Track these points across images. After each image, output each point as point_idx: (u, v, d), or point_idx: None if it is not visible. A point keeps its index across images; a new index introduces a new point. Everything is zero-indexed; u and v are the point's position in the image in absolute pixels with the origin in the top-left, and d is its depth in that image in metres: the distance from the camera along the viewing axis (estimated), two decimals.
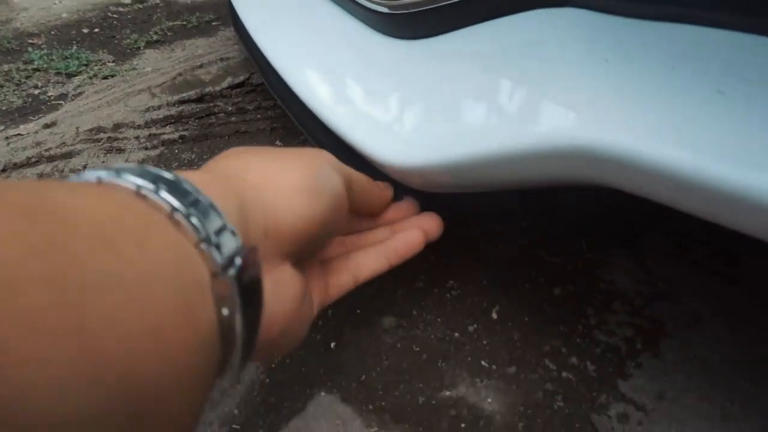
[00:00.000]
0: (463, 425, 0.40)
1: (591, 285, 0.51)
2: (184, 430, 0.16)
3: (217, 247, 0.18)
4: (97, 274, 0.13)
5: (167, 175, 0.19)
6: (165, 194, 0.18)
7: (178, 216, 0.18)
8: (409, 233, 0.37)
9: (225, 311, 0.18)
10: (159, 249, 0.16)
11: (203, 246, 0.18)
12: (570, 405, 0.41)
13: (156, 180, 0.18)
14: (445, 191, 0.39)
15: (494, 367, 0.44)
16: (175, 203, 0.18)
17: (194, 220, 0.18)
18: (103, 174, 0.18)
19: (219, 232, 0.19)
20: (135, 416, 0.13)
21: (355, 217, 0.37)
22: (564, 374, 0.43)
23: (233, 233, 0.20)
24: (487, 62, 0.32)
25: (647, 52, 0.25)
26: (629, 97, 0.25)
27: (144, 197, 0.18)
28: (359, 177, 0.33)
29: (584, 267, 0.52)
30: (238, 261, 0.19)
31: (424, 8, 0.38)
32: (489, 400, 0.41)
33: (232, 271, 0.18)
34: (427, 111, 0.34)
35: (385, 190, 0.37)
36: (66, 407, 0.11)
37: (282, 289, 0.25)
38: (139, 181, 0.18)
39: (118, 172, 0.18)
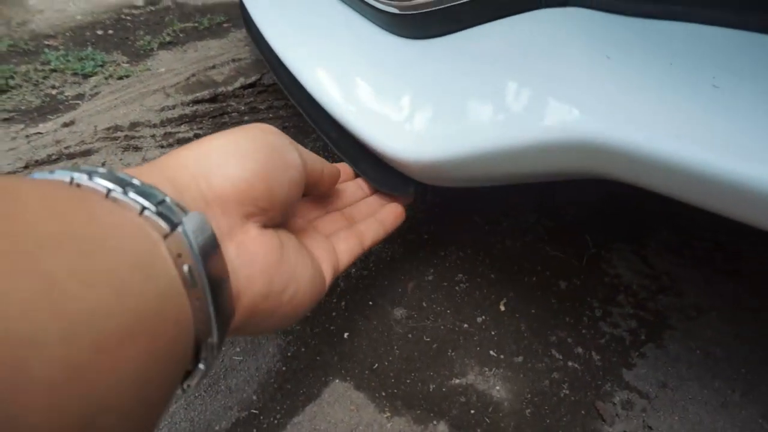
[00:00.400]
0: (472, 411, 0.41)
1: (596, 279, 0.52)
2: (157, 374, 0.17)
3: (161, 215, 0.19)
4: (49, 233, 0.14)
5: (100, 169, 0.20)
6: (99, 180, 0.19)
7: (115, 194, 0.19)
8: (392, 206, 0.43)
9: (185, 267, 0.19)
10: (106, 215, 0.18)
11: (147, 213, 0.19)
12: (576, 393, 0.43)
13: (90, 172, 0.19)
14: (454, 185, 0.41)
15: (502, 356, 0.45)
16: (111, 186, 0.19)
17: (132, 195, 0.19)
18: (36, 174, 0.19)
19: (159, 204, 0.20)
20: (96, 346, 0.14)
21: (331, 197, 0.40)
22: (570, 363, 0.45)
23: (176, 204, 0.21)
24: (494, 60, 0.34)
25: (646, 49, 0.27)
26: (629, 91, 0.26)
27: (78, 185, 0.19)
28: (309, 153, 0.33)
29: (589, 262, 0.53)
30: (184, 220, 0.20)
31: (433, 9, 0.39)
32: (497, 387, 0.43)
33: (180, 229, 0.20)
34: (436, 108, 0.36)
35: (335, 170, 0.38)
36: (24, 323, 0.12)
37: (249, 249, 0.26)
38: (73, 174, 0.19)
39: (51, 171, 0.19)
